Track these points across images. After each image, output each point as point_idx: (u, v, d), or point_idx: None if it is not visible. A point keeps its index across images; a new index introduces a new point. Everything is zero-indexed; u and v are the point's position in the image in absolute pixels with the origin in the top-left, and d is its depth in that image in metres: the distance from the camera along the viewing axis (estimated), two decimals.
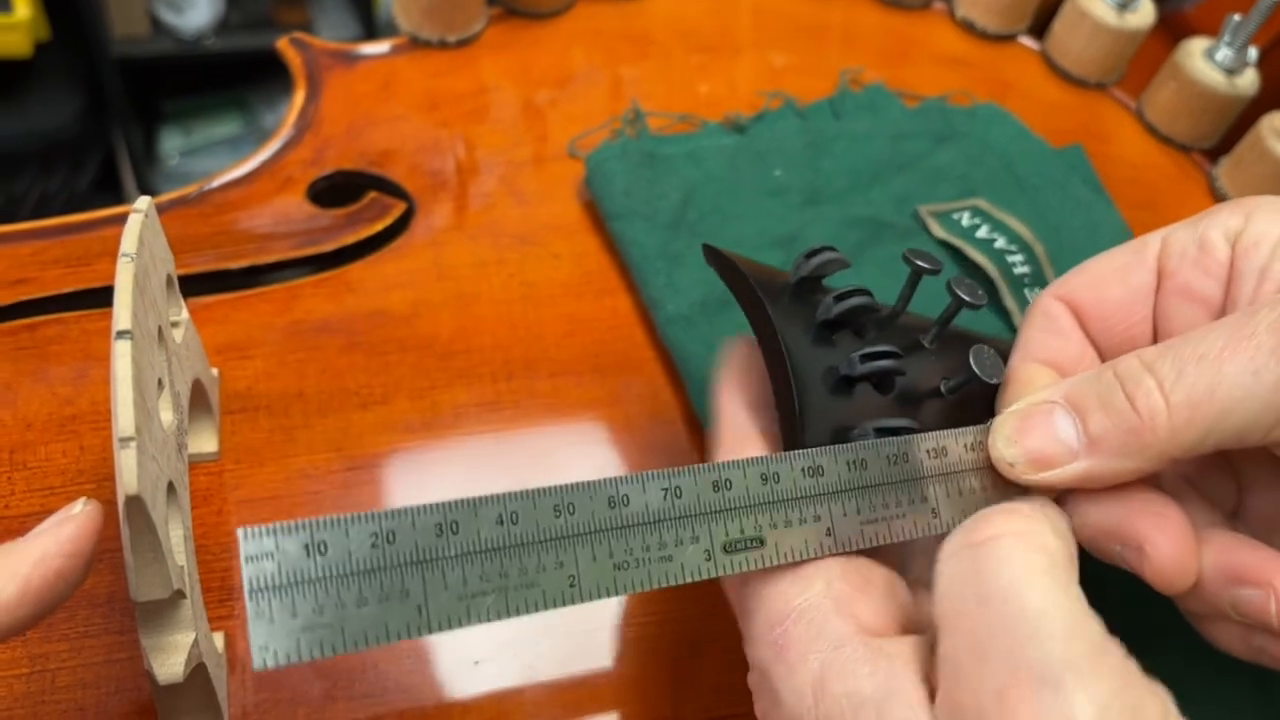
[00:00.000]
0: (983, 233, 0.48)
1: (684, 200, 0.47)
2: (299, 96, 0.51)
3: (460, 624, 0.23)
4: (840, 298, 0.32)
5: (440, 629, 0.23)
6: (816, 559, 0.27)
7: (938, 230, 0.49)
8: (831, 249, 0.33)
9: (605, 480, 0.25)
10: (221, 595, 0.35)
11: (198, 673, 0.30)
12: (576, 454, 0.40)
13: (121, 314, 0.25)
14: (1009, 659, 0.22)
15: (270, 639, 0.22)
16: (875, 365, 0.31)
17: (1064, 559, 0.24)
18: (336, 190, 0.48)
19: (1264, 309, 0.26)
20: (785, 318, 0.32)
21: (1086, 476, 0.27)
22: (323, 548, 0.22)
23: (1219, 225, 0.30)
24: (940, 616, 0.24)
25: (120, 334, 0.24)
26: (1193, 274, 0.30)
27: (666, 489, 0.26)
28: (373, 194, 0.48)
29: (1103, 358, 0.32)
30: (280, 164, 0.48)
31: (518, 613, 0.23)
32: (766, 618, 0.27)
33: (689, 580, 0.25)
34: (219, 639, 0.33)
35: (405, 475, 0.38)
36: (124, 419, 0.24)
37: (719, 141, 0.50)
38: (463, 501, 0.23)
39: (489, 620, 0.23)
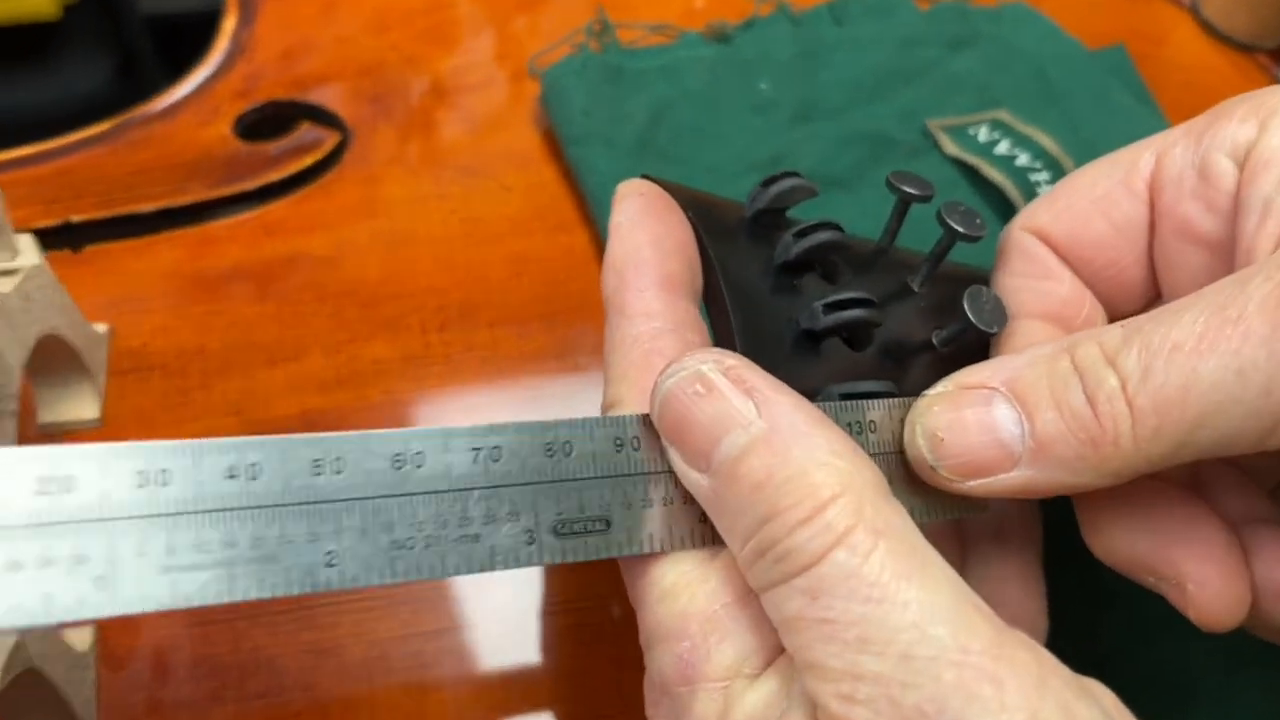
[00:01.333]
0: (1003, 148, 0.42)
1: (653, 120, 0.41)
2: (229, 21, 0.46)
3: (160, 605, 0.18)
4: (801, 234, 0.26)
5: (130, 610, 0.17)
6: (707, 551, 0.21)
7: (950, 147, 0.42)
8: (795, 174, 0.27)
9: (391, 433, 0.20)
10: None
11: (28, 680, 0.25)
12: (513, 417, 0.35)
13: None
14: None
15: None
16: (841, 316, 0.25)
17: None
18: (268, 123, 0.43)
19: (1256, 277, 0.19)
20: (739, 260, 0.26)
21: (1027, 488, 0.21)
22: None
23: (1225, 140, 0.23)
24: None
25: None
26: (1193, 208, 0.24)
27: (479, 449, 0.20)
28: (306, 124, 0.43)
29: (1100, 300, 0.26)
30: (206, 96, 0.43)
31: (246, 595, 0.18)
32: (660, 626, 0.21)
33: (500, 569, 0.20)
34: (82, 634, 0.29)
35: None
36: None
37: (697, 53, 0.44)
38: (183, 445, 0.18)
39: (204, 602, 0.18)
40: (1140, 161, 0.25)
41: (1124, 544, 0.23)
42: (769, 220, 0.27)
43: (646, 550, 0.21)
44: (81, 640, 0.29)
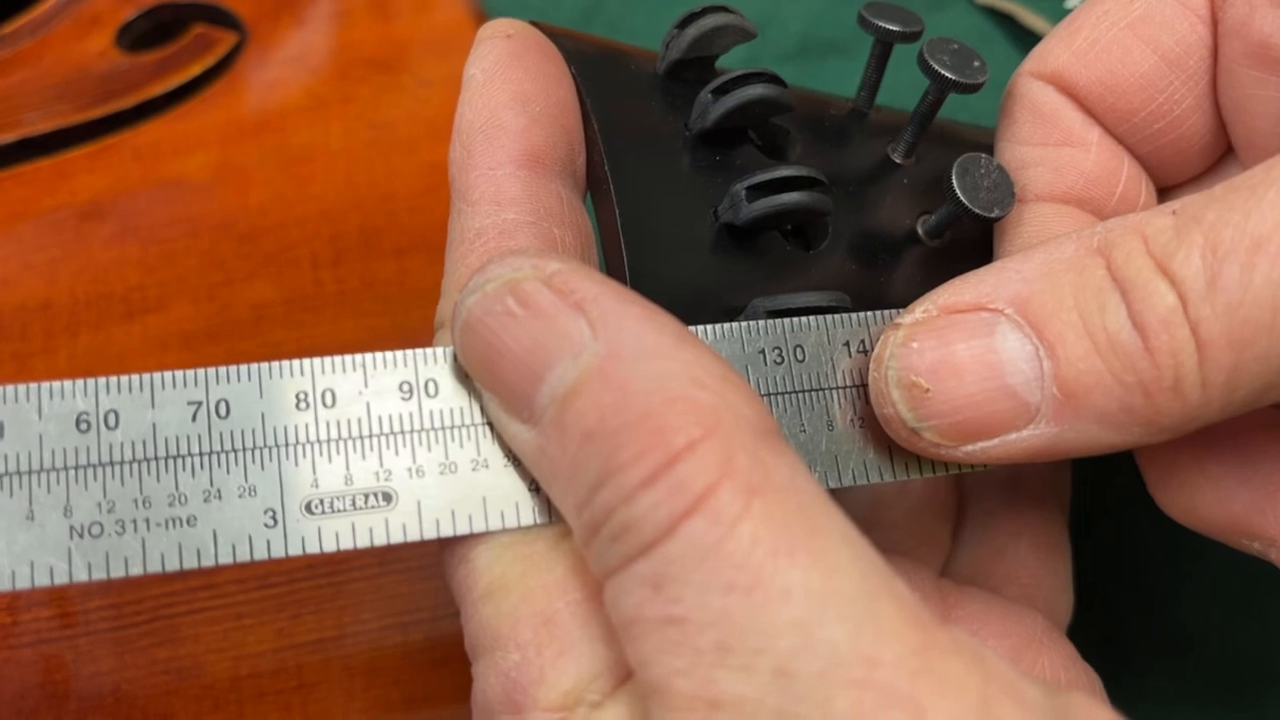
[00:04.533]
0: None
1: None
2: None
3: None
4: (722, 90, 0.19)
5: None
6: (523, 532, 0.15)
7: None
8: (723, 8, 0.20)
9: (72, 384, 0.15)
10: None
11: None
12: None
13: None
14: None
15: None
16: (774, 203, 0.18)
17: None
18: (157, 31, 0.36)
19: None
20: (644, 132, 0.20)
21: (1050, 450, 0.15)
22: None
23: None
24: None
25: None
26: (1274, 20, 0.17)
27: (200, 403, 0.15)
28: (199, 28, 0.36)
29: (1145, 169, 0.18)
30: (83, 3, 0.37)
31: None
32: (483, 632, 0.16)
33: (230, 560, 0.15)
34: None
35: None
36: None
37: None
38: None
39: None
40: None
41: (1212, 501, 0.16)
42: (692, 76, 0.20)
43: (448, 532, 0.16)
44: None
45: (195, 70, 0.34)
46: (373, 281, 0.29)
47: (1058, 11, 0.32)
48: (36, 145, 0.32)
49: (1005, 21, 0.33)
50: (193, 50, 0.35)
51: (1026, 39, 0.33)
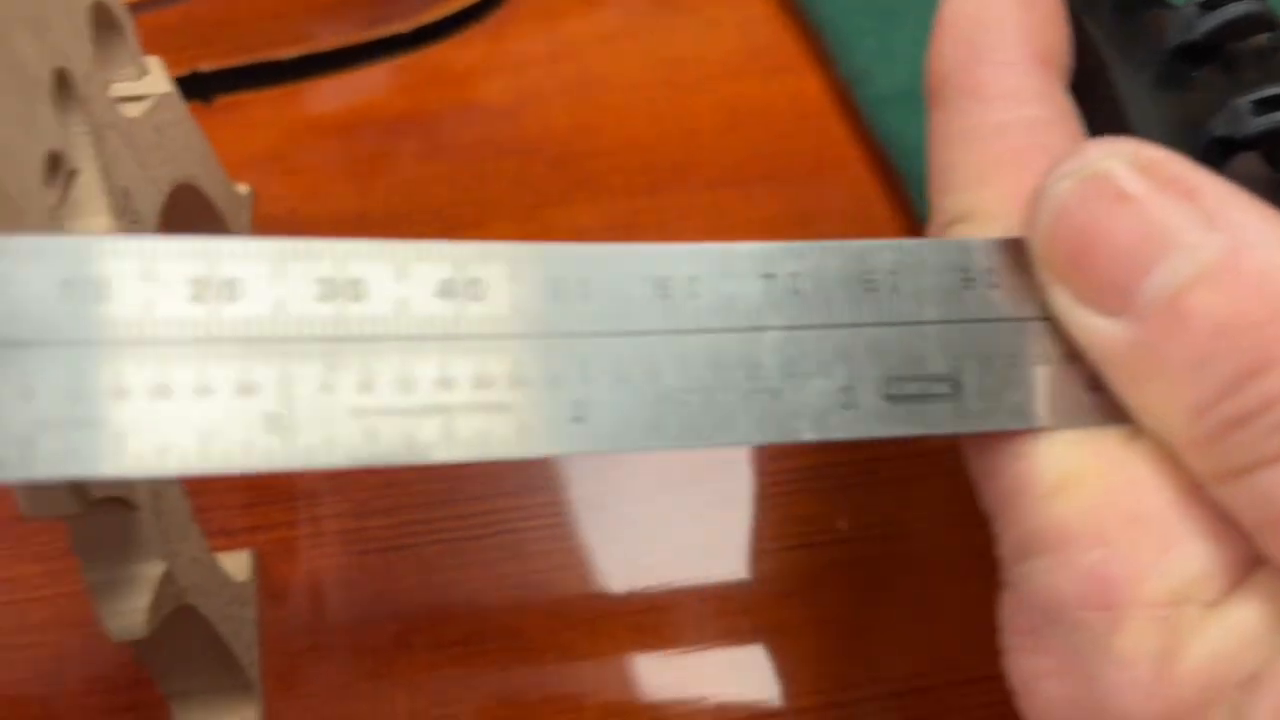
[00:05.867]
0: None
1: None
2: None
3: (351, 458, 0.13)
4: (1208, 4, 0.19)
5: (309, 463, 0.13)
6: None
7: None
8: None
9: (653, 248, 0.15)
10: (249, 497, 0.25)
11: (181, 619, 0.19)
12: None
13: None
14: None
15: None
16: (1276, 118, 0.18)
17: None
18: None
19: None
20: (1114, 41, 0.19)
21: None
22: None
23: None
24: None
25: None
26: None
27: (773, 275, 0.15)
28: None
29: None
30: None
31: (468, 454, 0.13)
32: (1053, 528, 0.15)
33: (807, 438, 0.15)
34: (239, 561, 0.23)
35: None
36: None
37: None
38: (385, 247, 0.13)
39: (395, 459, 0.13)
40: None
41: None
42: None
43: (1015, 426, 0.15)
44: (239, 569, 0.23)
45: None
46: (688, 212, 0.29)
47: None
48: (321, 61, 0.32)
49: None
50: None
51: None
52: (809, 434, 0.15)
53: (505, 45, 0.32)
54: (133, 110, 0.20)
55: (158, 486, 0.18)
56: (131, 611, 0.18)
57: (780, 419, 0.14)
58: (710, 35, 0.33)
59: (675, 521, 0.25)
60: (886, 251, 0.15)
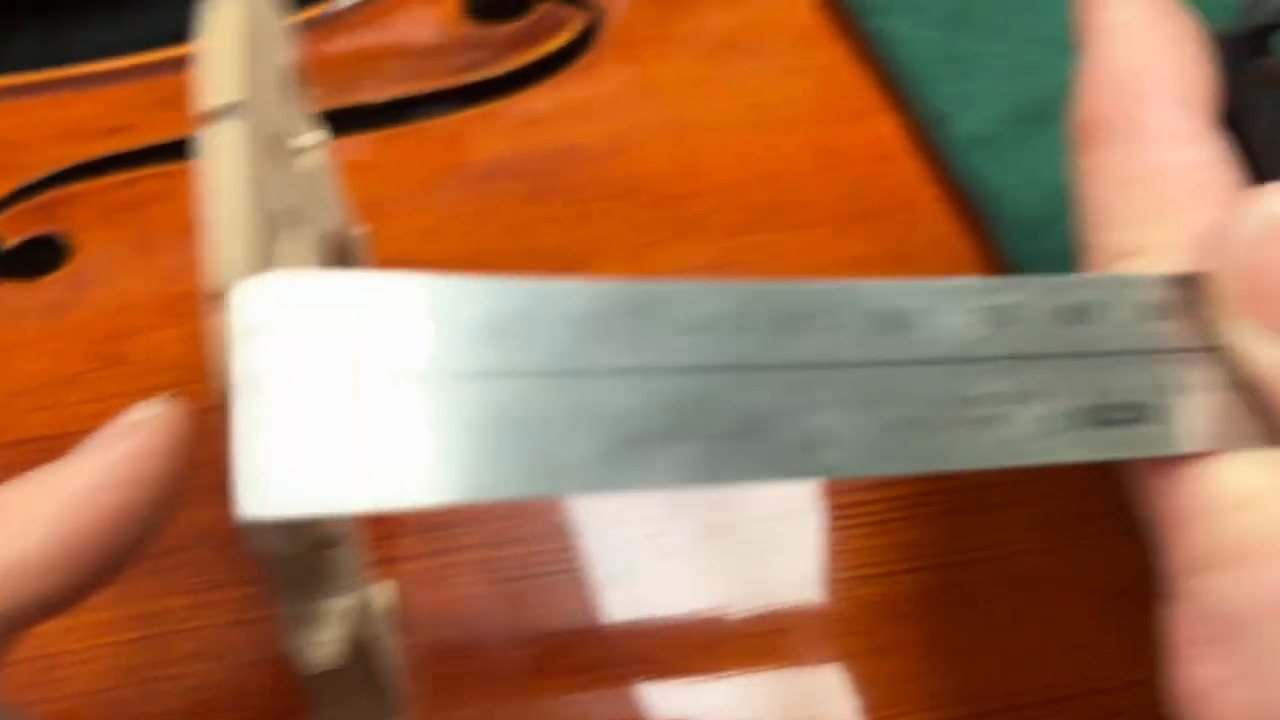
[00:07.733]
0: None
1: None
2: None
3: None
4: None
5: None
6: None
7: None
8: None
9: (873, 285, 0.16)
10: (385, 529, 0.26)
11: (360, 651, 0.20)
12: None
13: (224, 77, 0.14)
14: None
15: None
16: None
17: None
18: (500, 2, 0.37)
19: None
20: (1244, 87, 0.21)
21: None
22: None
23: None
24: None
25: (222, 110, 0.14)
26: None
27: (982, 309, 0.16)
28: (545, 4, 0.37)
29: None
30: None
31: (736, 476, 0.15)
32: (1239, 541, 0.16)
33: (1008, 463, 0.16)
34: (384, 590, 0.24)
35: None
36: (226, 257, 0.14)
37: None
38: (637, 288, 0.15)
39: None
40: None
41: None
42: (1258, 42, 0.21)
43: (1192, 449, 0.16)
44: (384, 599, 0.24)
45: (554, 45, 0.35)
46: (780, 252, 0.30)
47: None
48: (418, 104, 0.33)
49: None
50: (543, 26, 0.36)
51: None
52: (1012, 460, 0.16)
53: (594, 89, 0.34)
54: (308, 161, 0.22)
55: (351, 523, 0.19)
56: (329, 643, 0.19)
57: (989, 447, 0.16)
58: (791, 80, 0.34)
59: (787, 547, 0.26)
60: (1085, 286, 0.17)
